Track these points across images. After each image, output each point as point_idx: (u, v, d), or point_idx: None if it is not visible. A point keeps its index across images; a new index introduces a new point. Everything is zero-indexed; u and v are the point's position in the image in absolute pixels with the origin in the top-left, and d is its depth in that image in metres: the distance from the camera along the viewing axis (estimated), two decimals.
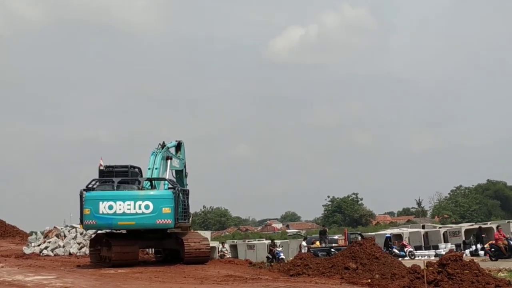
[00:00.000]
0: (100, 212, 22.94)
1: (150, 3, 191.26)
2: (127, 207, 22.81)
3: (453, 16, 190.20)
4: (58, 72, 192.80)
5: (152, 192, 23.53)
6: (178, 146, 28.92)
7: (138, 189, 23.64)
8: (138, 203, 22.83)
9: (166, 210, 22.93)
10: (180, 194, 24.41)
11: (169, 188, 23.76)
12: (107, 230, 24.62)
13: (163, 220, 22.91)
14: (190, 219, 28.98)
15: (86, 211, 23.23)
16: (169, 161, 26.13)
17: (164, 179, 24.66)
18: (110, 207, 22.86)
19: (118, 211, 22.84)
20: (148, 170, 25.34)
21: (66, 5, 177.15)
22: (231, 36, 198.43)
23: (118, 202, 22.87)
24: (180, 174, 28.89)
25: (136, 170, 25.89)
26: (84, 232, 32.78)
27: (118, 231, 24.99)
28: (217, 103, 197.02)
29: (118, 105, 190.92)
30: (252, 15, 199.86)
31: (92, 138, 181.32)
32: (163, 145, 26.46)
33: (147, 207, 22.79)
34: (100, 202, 22.99)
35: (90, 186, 23.93)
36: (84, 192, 23.56)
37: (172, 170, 28.09)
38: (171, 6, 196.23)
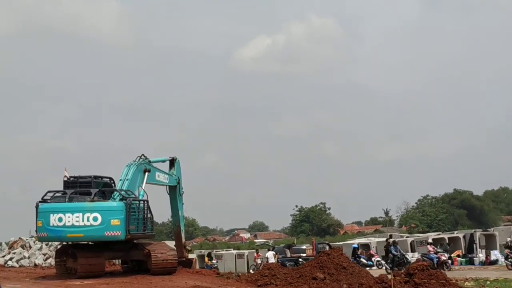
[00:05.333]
0: (51, 224, 22.88)
1: (118, 12, 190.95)
2: (75, 219, 22.65)
3: (419, 28, 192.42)
4: (25, 80, 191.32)
5: (100, 204, 23.29)
6: (172, 163, 29.03)
7: (91, 200, 23.44)
8: (86, 215, 22.67)
9: (115, 222, 22.71)
10: (140, 204, 24.29)
11: (120, 200, 23.51)
12: (70, 242, 24.45)
13: (111, 232, 22.70)
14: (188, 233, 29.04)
15: (39, 223, 23.25)
16: (146, 173, 25.98)
17: (115, 190, 24.43)
18: (60, 219, 22.75)
19: (67, 223, 22.70)
20: (119, 181, 25.18)
21: (33, 12, 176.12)
22: (198, 46, 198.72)
23: (67, 214, 22.73)
24: (174, 191, 28.97)
25: (107, 180, 25.69)
26: (50, 243, 32.47)
27: (85, 242, 24.81)
28: (184, 112, 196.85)
29: (85, 114, 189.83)
30: (219, 25, 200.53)
31: (58, 147, 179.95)
32: (140, 157, 26.36)
33: (95, 219, 22.62)
34: (51, 215, 22.92)
35: (45, 198, 23.85)
36: (39, 204, 23.49)
37: (166, 186, 28.60)
38: (139, 16, 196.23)
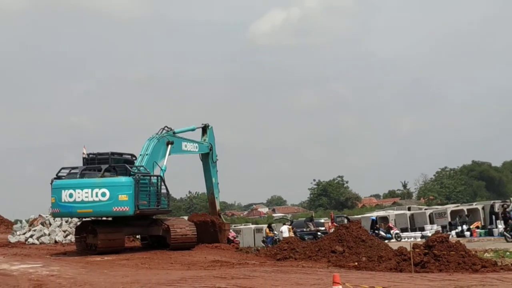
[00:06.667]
0: (63, 200, 23.34)
1: None
2: (85, 195, 23.03)
3: None
4: (41, 55, 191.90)
5: (108, 180, 23.46)
6: (204, 130, 29.17)
7: (100, 176, 23.52)
8: (95, 190, 22.98)
9: (123, 197, 22.91)
10: (153, 180, 24.30)
11: (130, 175, 23.55)
12: (93, 218, 24.62)
13: (119, 208, 22.93)
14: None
15: (52, 200, 23.71)
16: (170, 146, 26.02)
17: (124, 166, 24.46)
18: (71, 195, 23.17)
19: (77, 199, 23.09)
20: (139, 156, 25.29)
21: None
22: (213, 19, 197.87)
23: (77, 190, 23.12)
24: (206, 158, 29.31)
25: (128, 157, 25.78)
26: (70, 219, 32.66)
27: (104, 218, 24.98)
28: (200, 87, 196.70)
29: (102, 90, 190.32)
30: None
31: (76, 123, 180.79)
32: (164, 129, 26.40)
33: (103, 194, 22.89)
34: (63, 191, 23.35)
35: (60, 174, 24.04)
36: (54, 181, 23.72)
37: (199, 154, 29.00)
38: None
